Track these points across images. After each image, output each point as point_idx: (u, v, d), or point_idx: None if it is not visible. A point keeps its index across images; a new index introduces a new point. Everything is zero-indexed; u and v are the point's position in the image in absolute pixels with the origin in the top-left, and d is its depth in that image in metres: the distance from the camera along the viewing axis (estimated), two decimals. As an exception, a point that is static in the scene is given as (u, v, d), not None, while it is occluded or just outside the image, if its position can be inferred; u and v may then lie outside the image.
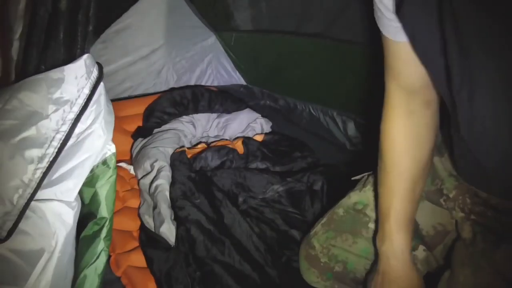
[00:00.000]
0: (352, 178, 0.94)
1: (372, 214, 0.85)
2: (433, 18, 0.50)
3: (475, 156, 0.61)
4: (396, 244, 0.70)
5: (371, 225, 0.84)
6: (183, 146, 1.34)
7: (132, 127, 1.42)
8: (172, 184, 1.18)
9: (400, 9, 0.54)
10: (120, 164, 1.31)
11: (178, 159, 1.26)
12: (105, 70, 0.67)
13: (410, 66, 0.60)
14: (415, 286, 0.71)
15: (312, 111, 1.53)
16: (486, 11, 0.45)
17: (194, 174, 1.22)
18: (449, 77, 0.53)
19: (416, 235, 0.80)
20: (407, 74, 0.62)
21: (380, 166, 0.72)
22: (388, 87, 0.66)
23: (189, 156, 1.30)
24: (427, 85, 0.62)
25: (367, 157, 1.35)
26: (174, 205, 1.13)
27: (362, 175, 0.93)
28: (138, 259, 1.04)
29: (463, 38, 0.48)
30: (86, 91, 0.61)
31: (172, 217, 1.12)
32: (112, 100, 0.76)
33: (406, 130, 0.66)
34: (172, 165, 1.24)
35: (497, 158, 0.58)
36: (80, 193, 0.65)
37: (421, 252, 0.80)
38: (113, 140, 0.70)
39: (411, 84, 0.63)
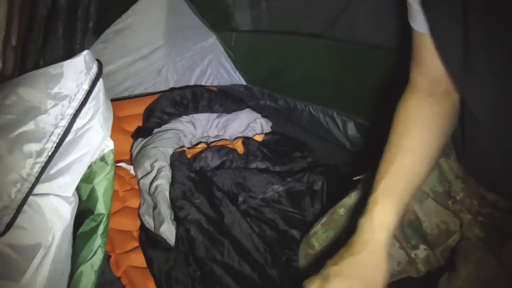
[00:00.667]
0: (354, 178, 0.94)
1: None
2: (458, 7, 0.50)
3: (489, 154, 0.61)
4: (376, 216, 0.60)
5: None
6: (183, 146, 1.34)
7: (132, 127, 1.42)
8: (172, 184, 1.18)
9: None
10: (120, 164, 1.31)
11: (178, 159, 1.26)
12: (105, 69, 0.68)
13: (434, 56, 0.60)
14: (380, 280, 0.58)
15: (312, 111, 1.53)
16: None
17: (194, 174, 1.22)
18: (466, 68, 0.54)
19: (419, 234, 0.80)
20: (430, 64, 0.62)
21: (387, 143, 0.67)
22: (412, 75, 0.67)
23: (189, 156, 1.30)
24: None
25: (367, 157, 1.35)
26: (174, 205, 1.13)
27: (364, 175, 0.93)
28: (138, 259, 1.04)
29: (487, 27, 0.48)
30: (85, 86, 0.61)
31: (172, 217, 1.11)
32: (112, 100, 0.76)
33: (423, 111, 0.65)
34: (172, 165, 1.24)
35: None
36: (78, 189, 0.65)
37: (422, 251, 0.80)
38: (113, 140, 0.70)
39: (433, 73, 0.63)
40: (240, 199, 1.20)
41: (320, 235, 0.90)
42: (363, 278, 0.57)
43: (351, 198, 0.89)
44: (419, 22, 0.60)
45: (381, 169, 0.66)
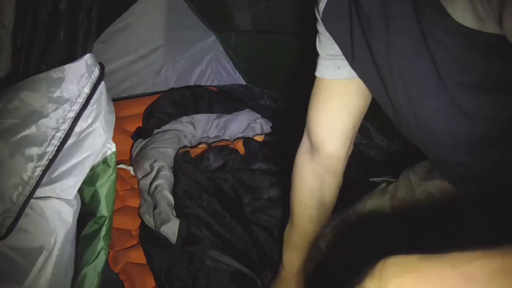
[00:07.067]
0: (370, 179, 0.91)
1: None
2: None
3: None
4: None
5: None
6: (185, 147, 1.35)
7: (132, 127, 1.42)
8: (176, 184, 1.18)
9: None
10: (119, 166, 1.31)
11: (182, 159, 1.26)
12: (105, 69, 0.68)
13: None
14: None
15: (312, 111, 1.52)
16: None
17: (197, 174, 1.23)
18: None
19: None
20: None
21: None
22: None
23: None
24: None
25: (367, 157, 1.35)
26: (177, 204, 1.13)
27: (382, 179, 0.89)
28: (137, 256, 1.04)
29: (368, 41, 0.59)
30: (87, 90, 0.61)
31: (173, 216, 1.12)
32: (112, 100, 0.76)
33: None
34: (176, 165, 1.24)
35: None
36: (81, 192, 0.65)
37: None
38: (113, 140, 0.70)
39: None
40: (245, 200, 1.21)
41: (329, 239, 0.87)
42: None
43: (366, 206, 0.85)
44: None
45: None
